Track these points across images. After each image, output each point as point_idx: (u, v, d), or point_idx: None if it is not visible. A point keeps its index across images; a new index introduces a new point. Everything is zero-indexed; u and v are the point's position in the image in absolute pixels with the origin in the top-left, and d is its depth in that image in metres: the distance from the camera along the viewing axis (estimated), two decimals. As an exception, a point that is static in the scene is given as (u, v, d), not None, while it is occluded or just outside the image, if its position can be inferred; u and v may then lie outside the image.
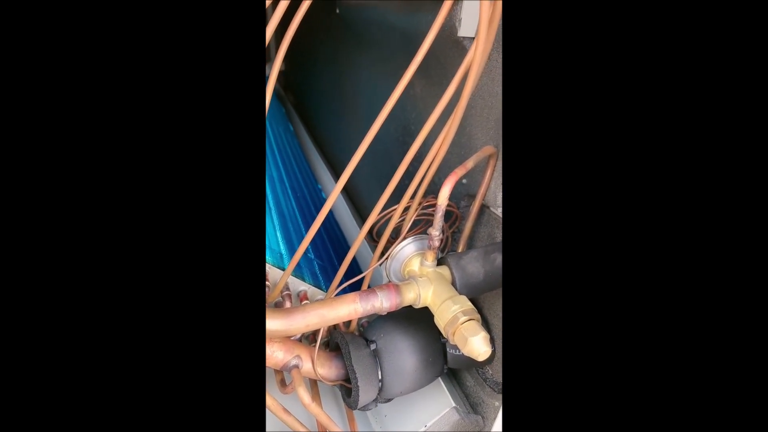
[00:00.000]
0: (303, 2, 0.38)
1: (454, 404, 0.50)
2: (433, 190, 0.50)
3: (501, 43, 0.41)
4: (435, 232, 0.39)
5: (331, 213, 0.90)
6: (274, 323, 0.34)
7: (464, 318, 0.35)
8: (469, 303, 0.37)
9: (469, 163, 0.38)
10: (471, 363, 0.50)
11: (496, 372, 0.51)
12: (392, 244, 0.45)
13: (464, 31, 0.43)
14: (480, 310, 0.52)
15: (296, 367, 0.41)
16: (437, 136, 0.39)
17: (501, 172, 0.43)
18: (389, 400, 0.49)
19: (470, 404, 0.55)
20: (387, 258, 0.44)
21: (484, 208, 0.48)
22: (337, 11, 0.85)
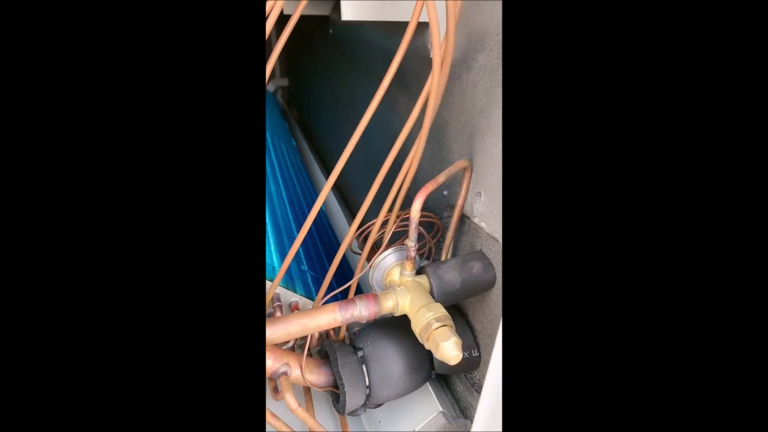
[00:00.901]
0: (291, 17, 0.41)
1: (441, 409, 0.51)
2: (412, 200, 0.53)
3: (468, 63, 0.44)
4: (410, 243, 0.41)
5: (329, 225, 0.93)
6: (258, 332, 0.37)
7: (437, 324, 0.37)
8: (443, 310, 0.39)
9: (441, 178, 0.40)
10: (458, 368, 0.52)
11: (483, 377, 0.52)
12: (374, 255, 0.47)
13: (435, 52, 0.45)
14: (464, 317, 0.53)
15: (285, 374, 0.43)
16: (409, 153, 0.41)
17: (475, 183, 0.45)
18: (379, 405, 0.51)
19: (460, 409, 0.56)
20: (369, 268, 0.47)
21: (464, 218, 0.50)
22: (331, 32, 0.89)
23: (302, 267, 0.61)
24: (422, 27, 0.46)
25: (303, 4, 0.41)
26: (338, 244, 0.88)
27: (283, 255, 0.60)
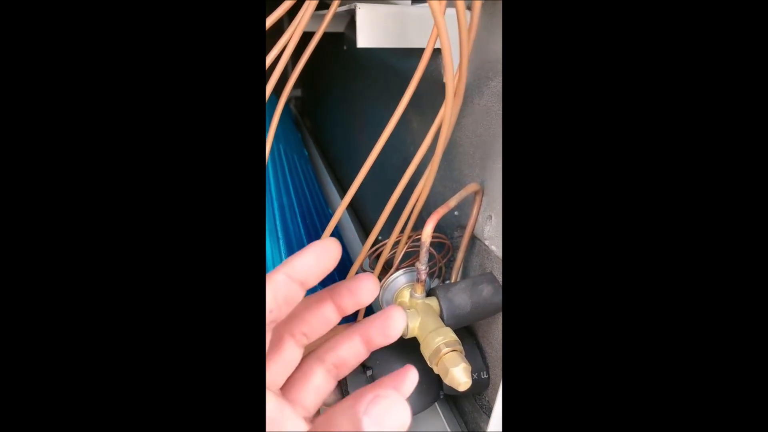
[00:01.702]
0: (311, 40, 0.42)
1: (449, 430, 0.51)
2: (424, 221, 0.53)
3: (480, 89, 0.44)
4: (421, 266, 0.41)
5: (340, 238, 0.94)
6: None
7: (447, 349, 0.37)
8: (453, 334, 0.39)
9: (452, 202, 0.41)
10: (466, 390, 0.52)
11: (493, 399, 0.52)
12: (385, 276, 0.47)
13: (449, 76, 0.46)
14: (474, 338, 0.53)
15: (294, 392, 0.44)
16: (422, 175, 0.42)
17: (486, 207, 0.46)
18: (387, 424, 0.51)
19: (469, 431, 0.56)
20: (380, 289, 0.47)
21: (474, 239, 0.50)
22: (345, 48, 0.90)
23: (313, 283, 0.62)
24: (436, 52, 0.47)
25: (324, 25, 0.42)
26: (347, 256, 0.89)
27: (294, 270, 0.61)
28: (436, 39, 0.35)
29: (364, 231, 0.94)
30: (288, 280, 0.24)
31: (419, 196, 0.41)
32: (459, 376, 0.36)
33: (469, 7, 0.35)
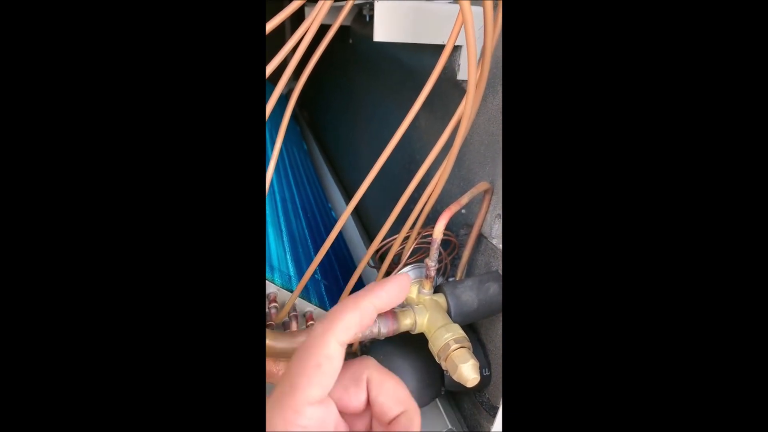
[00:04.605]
0: (322, 41, 0.42)
1: (450, 426, 0.52)
2: (433, 218, 0.53)
3: (495, 87, 0.44)
4: (431, 262, 0.41)
5: (339, 232, 0.93)
6: (275, 344, 0.37)
7: (455, 345, 0.38)
8: (461, 331, 0.39)
9: (464, 199, 0.41)
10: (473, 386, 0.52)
11: (492, 396, 0.53)
12: (393, 270, 0.47)
13: (463, 74, 0.46)
14: (477, 335, 0.54)
15: (299, 385, 0.44)
16: (436, 172, 0.42)
17: (495, 206, 0.46)
18: (388, 419, 0.51)
19: (468, 427, 0.57)
20: (387, 284, 0.47)
21: (481, 237, 0.50)
22: (350, 41, 0.90)
23: (316, 276, 0.62)
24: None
25: (341, 18, 0.41)
26: (347, 249, 0.89)
27: (297, 262, 0.61)
28: (457, 35, 0.34)
29: (364, 227, 0.94)
30: (374, 309, 0.26)
31: (432, 193, 0.41)
32: (468, 372, 0.36)
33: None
